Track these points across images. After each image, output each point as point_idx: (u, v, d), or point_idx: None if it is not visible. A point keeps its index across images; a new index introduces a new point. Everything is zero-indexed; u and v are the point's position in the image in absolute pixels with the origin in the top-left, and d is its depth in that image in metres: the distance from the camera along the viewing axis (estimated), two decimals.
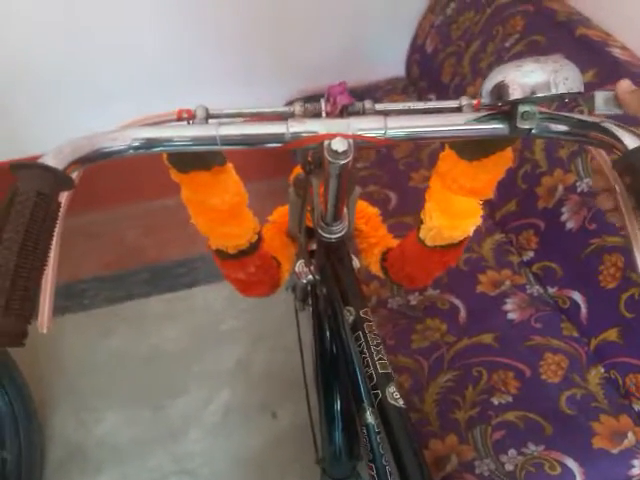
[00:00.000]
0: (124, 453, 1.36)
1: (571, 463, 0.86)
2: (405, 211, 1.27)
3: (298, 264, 0.74)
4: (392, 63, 1.72)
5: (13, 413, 1.23)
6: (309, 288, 0.79)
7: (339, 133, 0.41)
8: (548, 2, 1.19)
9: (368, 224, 0.73)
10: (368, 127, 0.42)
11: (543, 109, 0.40)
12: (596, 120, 0.39)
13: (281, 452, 1.34)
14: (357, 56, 1.70)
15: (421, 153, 1.42)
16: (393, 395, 0.46)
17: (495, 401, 0.94)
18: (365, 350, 0.50)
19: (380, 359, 0.49)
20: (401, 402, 0.46)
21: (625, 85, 0.39)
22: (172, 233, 1.56)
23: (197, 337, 1.57)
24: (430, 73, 1.56)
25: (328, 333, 0.76)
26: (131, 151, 0.40)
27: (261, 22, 1.53)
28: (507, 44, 1.24)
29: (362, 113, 0.44)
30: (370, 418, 0.56)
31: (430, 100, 1.54)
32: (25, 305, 0.31)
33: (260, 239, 0.61)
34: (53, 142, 0.38)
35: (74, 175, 0.42)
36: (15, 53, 1.44)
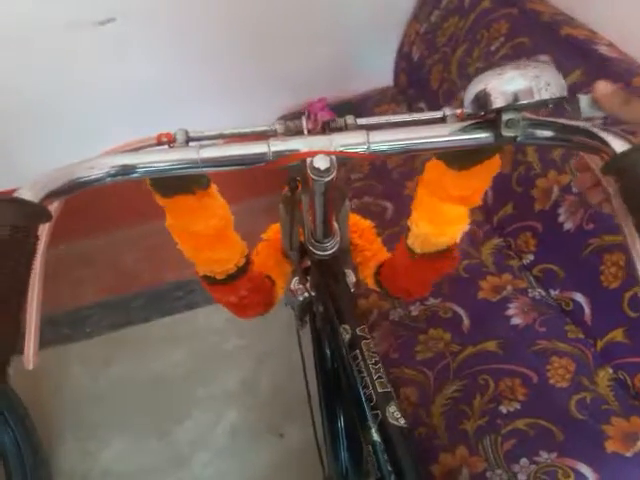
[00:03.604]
0: None
1: (584, 469, 0.84)
2: (402, 221, 1.26)
3: (293, 282, 0.73)
4: (380, 73, 1.72)
5: (18, 447, 1.22)
6: (306, 305, 0.78)
7: (321, 150, 0.40)
8: (531, 4, 1.19)
9: (362, 237, 0.72)
10: (350, 142, 0.41)
11: (528, 115, 0.39)
12: (582, 124, 0.38)
13: (290, 472, 1.32)
14: (345, 68, 1.70)
15: (415, 162, 1.41)
16: (394, 415, 0.45)
17: (504, 409, 0.93)
18: (363, 369, 0.49)
19: (379, 377, 0.48)
20: (402, 421, 0.45)
21: (602, 87, 0.37)
22: (169, 255, 1.54)
23: (201, 359, 1.56)
24: (418, 81, 1.56)
25: (328, 350, 0.75)
26: (109, 179, 0.39)
27: (247, 39, 1.54)
28: (493, 48, 1.23)
29: (344, 129, 0.44)
30: (376, 436, 0.55)
31: (420, 108, 1.54)
32: (3, 343, 0.30)
33: (249, 262, 0.60)
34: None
35: (54, 206, 0.41)
36: (4, 85, 1.44)
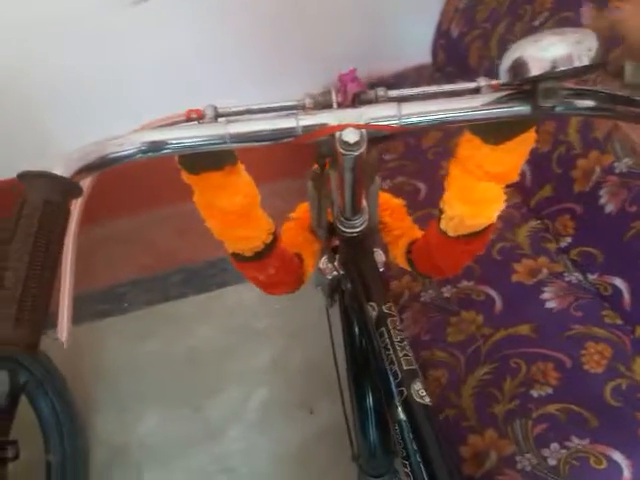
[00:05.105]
0: (165, 453, 1.38)
1: (617, 456, 0.82)
2: (436, 202, 1.23)
3: (322, 260, 0.73)
4: (418, 50, 1.68)
5: (57, 417, 1.27)
6: (335, 284, 0.78)
7: (350, 123, 0.40)
8: None
9: (392, 216, 0.71)
10: (381, 115, 0.40)
11: (566, 84, 0.38)
12: (625, 93, 0.36)
13: (321, 448, 1.33)
14: (382, 45, 1.67)
15: (450, 141, 1.38)
16: (419, 392, 0.45)
17: (535, 393, 0.91)
18: (389, 347, 0.48)
19: (405, 355, 0.47)
20: (427, 399, 0.45)
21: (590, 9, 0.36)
22: (203, 234, 1.57)
23: (233, 336, 1.58)
24: (457, 58, 1.52)
25: (356, 328, 0.75)
26: (139, 155, 0.39)
27: (283, 15, 1.53)
28: (536, 23, 1.19)
29: (375, 101, 0.43)
30: (402, 414, 0.55)
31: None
32: (36, 315, 0.31)
33: (276, 239, 0.60)
34: None
35: (86, 182, 0.42)
36: (45, 67, 1.47)
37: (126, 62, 1.52)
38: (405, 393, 0.45)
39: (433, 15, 1.63)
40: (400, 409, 0.55)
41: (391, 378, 0.49)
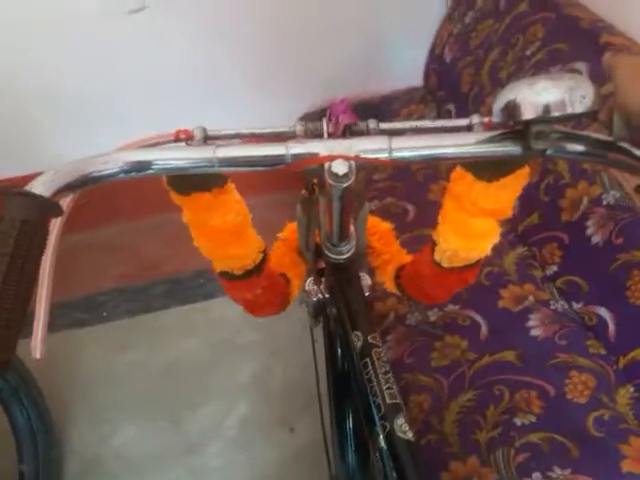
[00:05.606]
0: (141, 466, 1.36)
1: None
2: (424, 224, 1.24)
3: (308, 282, 0.72)
4: (410, 73, 1.69)
5: (31, 427, 1.24)
6: (320, 306, 0.77)
7: (341, 155, 0.39)
8: (570, 9, 1.15)
9: (381, 240, 0.71)
10: (371, 148, 0.40)
11: (559, 128, 0.38)
12: (615, 141, 0.36)
13: (299, 468, 1.31)
14: (374, 67, 1.68)
15: (440, 164, 1.39)
16: (402, 427, 0.44)
17: (518, 422, 0.91)
18: (373, 378, 0.47)
19: (388, 388, 0.47)
20: (410, 434, 0.44)
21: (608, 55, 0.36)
22: (189, 245, 1.55)
23: (215, 350, 1.56)
24: (449, 83, 1.54)
25: (339, 351, 0.74)
26: (122, 175, 0.39)
27: (277, 35, 1.53)
28: (528, 52, 1.20)
29: (366, 133, 0.43)
30: (383, 442, 0.54)
31: (448, 110, 1.52)
32: (8, 333, 0.31)
33: (265, 258, 0.60)
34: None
35: (67, 199, 0.41)
36: (39, 72, 1.47)
37: (121, 71, 1.51)
38: (388, 428, 0.45)
39: (427, 39, 1.64)
40: (381, 437, 0.54)
41: (374, 410, 0.48)
